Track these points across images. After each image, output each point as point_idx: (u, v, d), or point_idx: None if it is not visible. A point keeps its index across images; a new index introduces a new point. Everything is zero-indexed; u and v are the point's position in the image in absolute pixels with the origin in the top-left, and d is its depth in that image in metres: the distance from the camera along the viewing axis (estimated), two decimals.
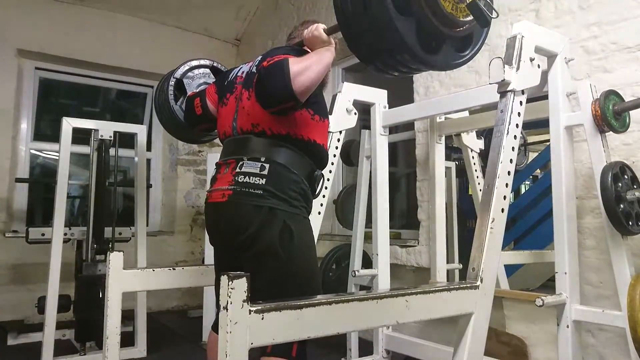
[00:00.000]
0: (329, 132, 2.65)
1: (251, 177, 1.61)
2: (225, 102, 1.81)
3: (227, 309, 1.03)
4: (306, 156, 1.69)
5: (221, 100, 1.84)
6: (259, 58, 1.78)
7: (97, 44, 4.60)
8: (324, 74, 1.60)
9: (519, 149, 1.83)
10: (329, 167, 2.67)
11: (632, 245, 2.06)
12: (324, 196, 2.61)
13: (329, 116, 2.64)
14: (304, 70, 1.51)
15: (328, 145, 2.63)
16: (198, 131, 2.09)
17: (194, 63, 2.12)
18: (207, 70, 2.14)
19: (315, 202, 2.55)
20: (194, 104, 1.92)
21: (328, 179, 2.63)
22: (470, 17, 1.39)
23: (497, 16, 1.39)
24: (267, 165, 1.61)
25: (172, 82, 2.04)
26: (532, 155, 3.95)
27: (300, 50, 1.71)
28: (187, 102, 2.00)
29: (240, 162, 1.65)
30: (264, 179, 1.59)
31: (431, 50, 1.39)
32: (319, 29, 1.65)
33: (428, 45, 1.37)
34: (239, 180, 1.62)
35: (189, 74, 2.10)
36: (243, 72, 1.82)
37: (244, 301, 1.05)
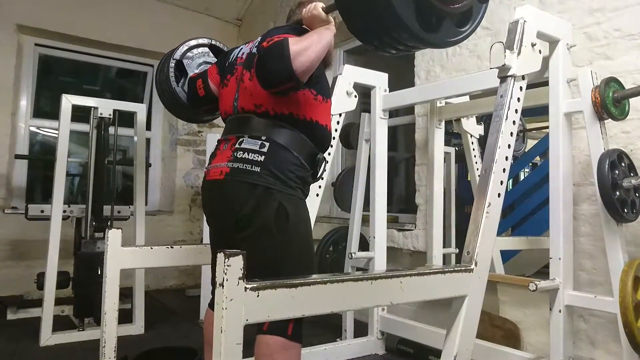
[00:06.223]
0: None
1: (250, 154, 1.61)
2: (226, 83, 1.81)
3: (223, 286, 1.05)
4: (308, 138, 1.69)
5: (222, 81, 1.85)
6: (259, 38, 1.77)
7: (98, 21, 4.56)
8: (324, 53, 1.59)
9: (517, 135, 1.84)
10: (328, 149, 2.68)
11: (627, 232, 2.08)
12: (322, 178, 2.61)
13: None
14: (304, 49, 1.50)
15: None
16: (202, 112, 2.10)
17: (193, 43, 2.12)
18: (206, 49, 2.14)
19: (314, 185, 2.57)
20: (196, 86, 1.93)
21: (327, 162, 2.64)
22: None
23: None
24: (267, 144, 1.61)
25: (172, 64, 2.04)
26: (532, 143, 3.95)
27: (299, 29, 1.70)
28: (189, 83, 2.00)
29: (241, 139, 1.65)
30: (263, 157, 1.59)
31: (431, 28, 1.37)
32: (318, 7, 1.64)
33: (428, 23, 1.36)
34: (238, 156, 1.62)
35: (188, 54, 2.09)
36: (243, 52, 1.81)
37: (239, 279, 1.06)
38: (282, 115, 1.65)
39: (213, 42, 2.16)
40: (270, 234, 1.57)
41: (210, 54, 2.14)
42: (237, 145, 1.65)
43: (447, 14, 1.38)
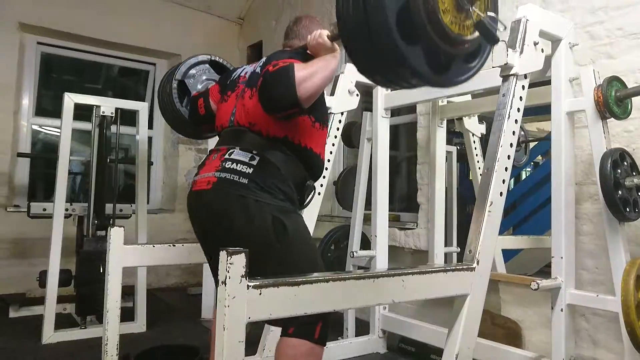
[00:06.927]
0: (330, 113, 2.66)
1: (239, 165, 1.58)
2: (226, 99, 1.80)
3: (225, 284, 1.05)
4: (300, 163, 1.67)
5: (222, 97, 1.85)
6: (263, 60, 1.77)
7: (99, 20, 4.57)
8: (329, 81, 1.59)
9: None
10: (330, 148, 2.68)
11: (629, 231, 2.08)
12: (324, 177, 2.61)
13: (331, 97, 2.66)
14: (309, 76, 1.49)
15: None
16: (204, 130, 2.10)
17: (193, 61, 2.11)
18: (207, 66, 2.13)
19: (315, 183, 2.57)
20: (197, 105, 1.94)
21: (329, 160, 2.64)
22: (477, 34, 1.36)
23: (505, 29, 1.37)
24: (257, 158, 1.59)
25: (174, 85, 2.04)
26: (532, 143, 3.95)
27: (304, 54, 1.68)
28: (191, 102, 2.00)
29: (231, 150, 1.63)
30: (252, 169, 1.57)
31: (439, 70, 1.34)
32: (323, 35, 1.62)
33: (436, 67, 1.33)
34: (226, 166, 1.59)
35: (191, 72, 2.08)
36: (246, 72, 1.81)
37: (242, 276, 1.07)
38: (275, 137, 1.63)
39: (213, 58, 2.15)
40: (274, 248, 1.53)
41: (211, 70, 2.14)
42: (226, 156, 1.62)
43: (456, 56, 1.35)
